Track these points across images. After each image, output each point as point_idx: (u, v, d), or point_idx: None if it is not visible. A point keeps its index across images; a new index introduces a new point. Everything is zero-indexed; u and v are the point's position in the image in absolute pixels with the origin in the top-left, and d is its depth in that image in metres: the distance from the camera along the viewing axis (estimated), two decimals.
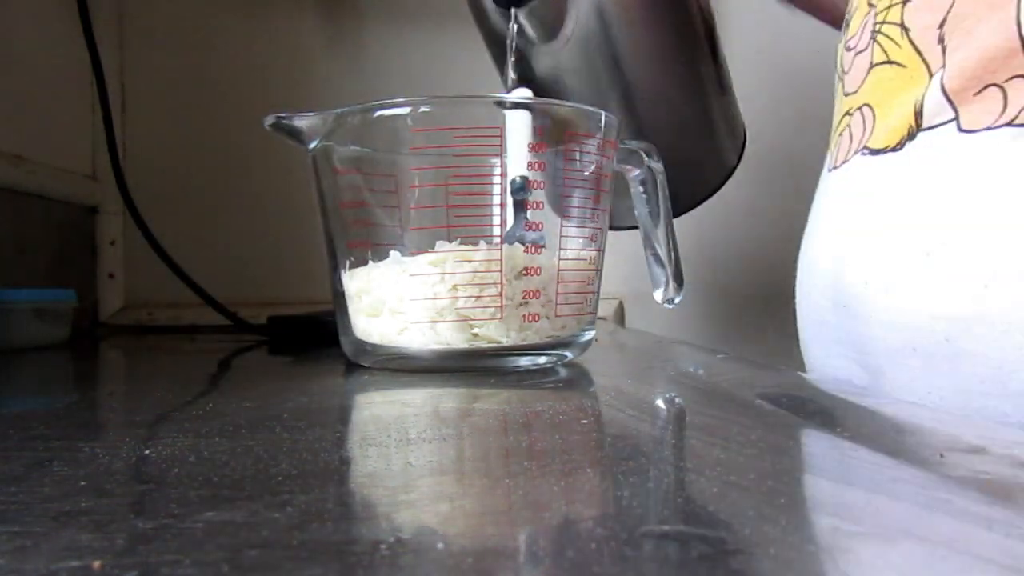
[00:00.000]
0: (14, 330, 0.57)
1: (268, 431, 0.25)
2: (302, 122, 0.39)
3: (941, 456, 0.22)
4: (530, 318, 0.37)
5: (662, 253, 0.46)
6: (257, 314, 0.73)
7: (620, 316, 0.93)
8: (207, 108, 0.93)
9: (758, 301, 0.92)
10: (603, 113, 0.40)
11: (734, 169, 0.64)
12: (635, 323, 0.92)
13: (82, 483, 0.19)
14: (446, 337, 0.37)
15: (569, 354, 0.41)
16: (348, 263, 0.40)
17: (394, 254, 0.38)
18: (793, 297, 0.50)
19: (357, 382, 0.39)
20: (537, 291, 0.37)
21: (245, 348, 0.63)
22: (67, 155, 0.86)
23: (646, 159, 0.46)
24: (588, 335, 0.42)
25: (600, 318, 0.90)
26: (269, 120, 0.40)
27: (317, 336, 0.61)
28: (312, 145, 0.40)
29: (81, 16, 0.73)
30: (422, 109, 0.37)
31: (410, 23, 0.93)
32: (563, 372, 0.39)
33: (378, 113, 0.38)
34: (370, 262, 0.39)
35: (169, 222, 0.81)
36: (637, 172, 0.46)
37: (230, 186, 0.92)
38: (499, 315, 0.37)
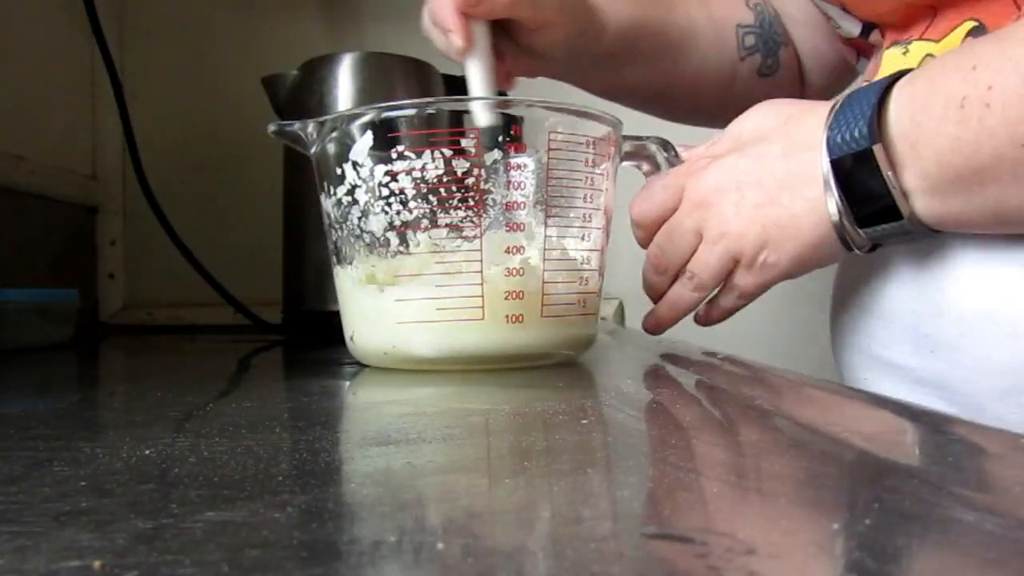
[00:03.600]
0: (17, 330, 0.57)
1: (268, 431, 0.25)
2: (301, 128, 0.41)
3: (941, 456, 0.22)
4: (513, 319, 0.37)
5: None
6: (262, 312, 0.73)
7: (620, 316, 0.93)
8: (206, 109, 0.93)
9: (757, 301, 0.91)
10: (594, 111, 0.40)
11: None
12: (635, 323, 0.92)
13: (82, 483, 0.19)
14: (430, 338, 0.37)
15: (571, 353, 0.40)
16: (347, 263, 0.41)
17: (384, 253, 0.39)
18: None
19: (357, 382, 0.39)
20: (520, 292, 0.37)
21: (245, 348, 0.63)
22: (67, 155, 0.86)
23: (663, 154, 0.45)
24: (586, 336, 0.41)
25: (600, 318, 0.90)
26: (272, 128, 0.42)
27: (331, 333, 0.61)
28: (312, 150, 0.41)
29: (90, 17, 0.73)
30: (404, 112, 0.38)
31: (410, 23, 0.93)
32: (563, 372, 0.39)
33: (365, 118, 0.39)
34: (365, 262, 0.39)
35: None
36: (648, 168, 0.46)
37: (229, 186, 0.92)
38: (480, 316, 0.37)
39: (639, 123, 0.57)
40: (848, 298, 0.47)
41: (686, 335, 0.54)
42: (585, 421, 0.27)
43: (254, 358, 0.57)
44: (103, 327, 0.90)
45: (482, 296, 0.37)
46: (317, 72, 0.65)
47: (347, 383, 0.39)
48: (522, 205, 0.37)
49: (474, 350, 0.37)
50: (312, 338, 0.64)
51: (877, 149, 0.35)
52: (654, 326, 0.47)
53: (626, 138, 0.44)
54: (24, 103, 0.77)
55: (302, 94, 0.65)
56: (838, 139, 0.37)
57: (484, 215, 0.37)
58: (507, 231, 0.37)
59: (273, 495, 0.17)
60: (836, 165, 0.37)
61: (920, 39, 0.42)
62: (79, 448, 0.22)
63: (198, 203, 0.90)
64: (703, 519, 0.16)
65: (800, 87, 0.64)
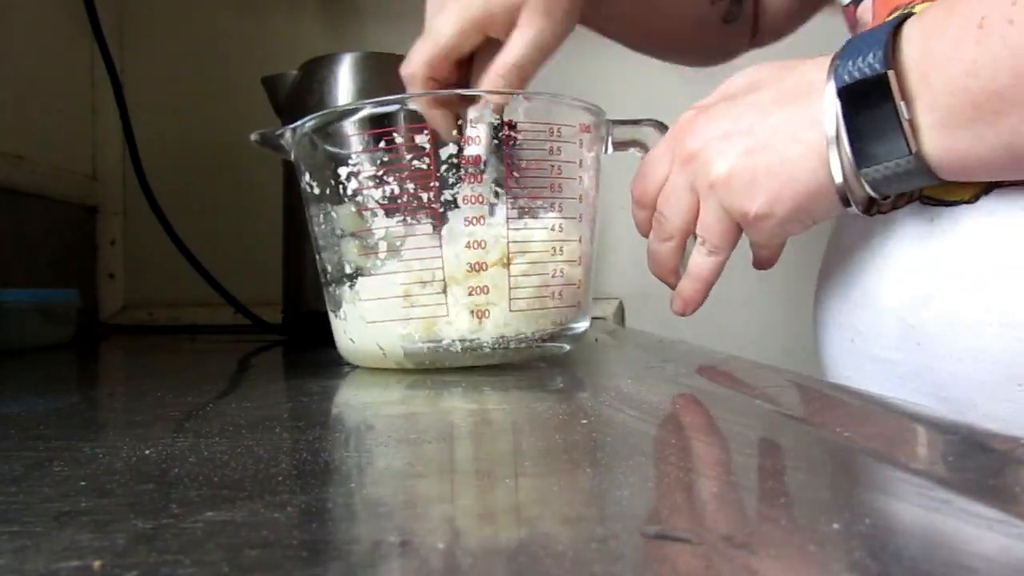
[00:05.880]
0: (17, 330, 0.57)
1: (268, 431, 0.25)
2: (280, 135, 0.41)
3: (941, 456, 0.22)
4: (479, 314, 0.36)
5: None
6: (262, 312, 0.73)
7: (620, 316, 0.93)
8: (206, 109, 0.93)
9: (758, 300, 0.92)
10: (559, 98, 0.39)
11: None
12: (635, 323, 0.92)
13: (82, 483, 0.19)
14: (398, 336, 0.37)
15: (557, 346, 0.40)
16: (326, 265, 0.41)
17: (349, 252, 0.39)
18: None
19: (356, 382, 0.39)
20: (483, 286, 0.37)
21: (245, 348, 0.63)
22: (67, 155, 0.86)
23: (659, 136, 0.43)
24: (570, 328, 0.40)
25: (600, 318, 0.90)
26: (254, 136, 0.42)
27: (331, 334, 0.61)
28: (292, 156, 0.42)
29: (90, 17, 0.73)
30: (360, 114, 0.38)
31: (410, 22, 0.93)
32: (563, 372, 0.39)
33: (321, 121, 0.39)
34: (338, 262, 0.40)
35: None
36: (643, 155, 0.45)
37: (229, 186, 0.92)
38: (444, 312, 0.36)
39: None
40: (831, 287, 0.45)
41: (686, 335, 0.54)
42: (585, 421, 0.27)
43: (254, 358, 0.57)
44: (103, 327, 0.90)
45: (444, 292, 0.36)
46: (317, 72, 0.65)
47: (347, 383, 0.39)
48: (480, 198, 0.37)
49: (444, 347, 0.37)
50: (312, 338, 0.64)
51: (891, 75, 0.33)
52: (682, 306, 0.43)
53: (617, 123, 0.43)
54: (24, 103, 0.77)
55: (302, 94, 0.65)
56: (849, 66, 0.34)
57: (441, 210, 0.37)
58: (466, 224, 0.37)
59: (273, 495, 0.17)
60: (843, 95, 0.34)
61: (924, 0, 0.39)
62: (79, 448, 0.22)
63: (198, 203, 0.90)
64: (703, 519, 0.16)
65: (750, 37, 0.63)
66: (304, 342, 0.64)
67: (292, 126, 0.40)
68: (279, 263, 0.71)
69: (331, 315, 0.42)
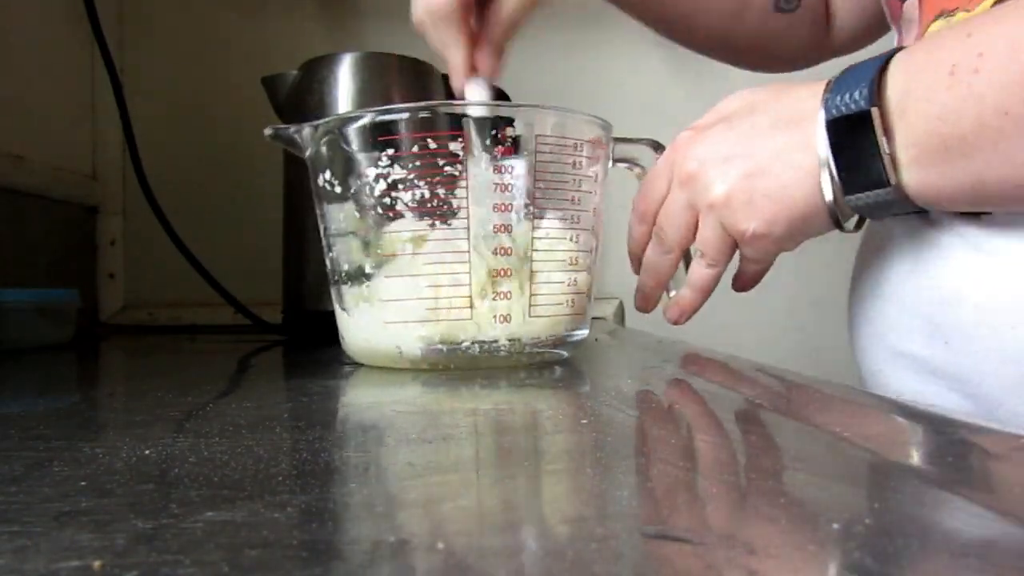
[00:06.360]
0: (18, 330, 0.57)
1: (268, 431, 0.25)
2: (296, 131, 0.41)
3: (940, 456, 0.22)
4: (501, 319, 0.38)
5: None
6: (262, 312, 0.73)
7: (620, 316, 0.93)
8: (206, 109, 0.93)
9: (756, 301, 0.92)
10: (581, 114, 0.40)
11: None
12: (635, 323, 0.92)
13: (82, 483, 0.19)
14: (419, 338, 0.38)
15: (562, 352, 0.41)
16: (340, 264, 0.41)
17: (373, 253, 0.39)
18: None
19: (357, 382, 0.39)
20: (507, 292, 0.38)
21: (245, 348, 0.63)
22: (67, 155, 0.86)
23: (654, 155, 0.45)
24: (576, 335, 0.42)
25: (600, 318, 0.90)
26: (268, 131, 0.42)
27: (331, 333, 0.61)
28: (308, 153, 0.42)
29: (90, 17, 0.73)
30: (396, 116, 0.38)
31: (410, 23, 0.93)
32: (563, 372, 0.39)
33: (358, 121, 0.39)
34: (356, 263, 0.40)
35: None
36: (640, 171, 0.46)
37: (229, 186, 0.92)
38: (469, 316, 0.37)
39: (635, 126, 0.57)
40: (864, 285, 0.46)
41: (686, 335, 0.54)
42: (585, 421, 0.27)
43: (254, 358, 0.57)
44: (103, 327, 0.90)
45: (470, 296, 0.37)
46: (317, 72, 0.65)
47: (347, 383, 0.39)
48: (509, 207, 0.38)
49: (462, 349, 0.38)
50: (312, 338, 0.64)
51: (874, 112, 0.35)
52: (678, 314, 0.45)
53: (617, 140, 0.44)
54: (24, 103, 0.77)
55: (302, 94, 0.65)
56: (837, 100, 0.36)
57: (472, 217, 0.37)
58: (494, 232, 0.38)
59: (273, 495, 0.17)
60: (832, 127, 0.37)
61: (963, 9, 0.40)
62: (79, 448, 0.22)
63: (198, 203, 0.90)
64: (703, 519, 0.16)
65: (824, 32, 0.61)
66: (304, 342, 0.64)
67: (314, 123, 0.40)
68: (279, 263, 0.71)
69: (340, 313, 0.42)
